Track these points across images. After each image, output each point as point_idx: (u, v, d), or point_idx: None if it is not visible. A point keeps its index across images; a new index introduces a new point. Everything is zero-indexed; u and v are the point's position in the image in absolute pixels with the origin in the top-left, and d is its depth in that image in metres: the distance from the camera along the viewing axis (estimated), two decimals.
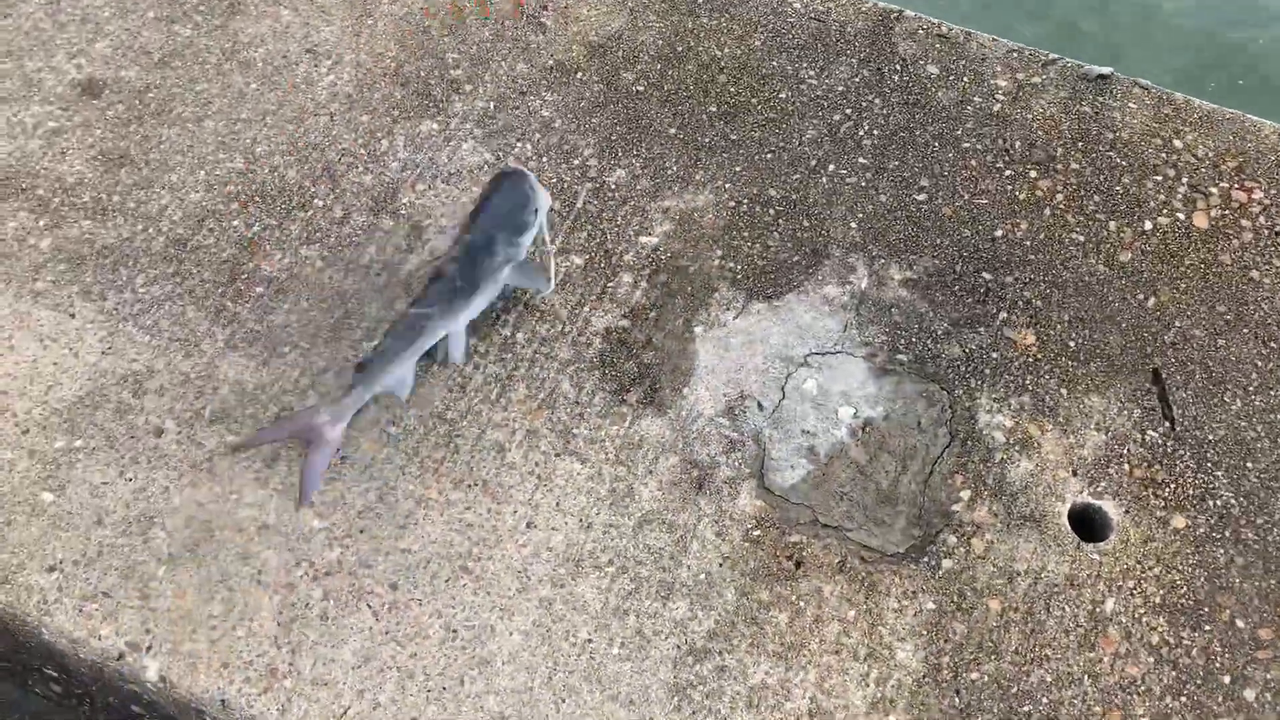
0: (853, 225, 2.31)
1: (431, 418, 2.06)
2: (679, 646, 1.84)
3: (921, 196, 2.36)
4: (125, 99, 2.46)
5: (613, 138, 2.44)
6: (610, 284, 2.22)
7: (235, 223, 2.29)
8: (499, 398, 2.08)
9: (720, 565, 1.92)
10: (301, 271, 2.22)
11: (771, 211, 2.33)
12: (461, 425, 2.05)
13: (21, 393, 2.06)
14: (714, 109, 2.49)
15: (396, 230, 2.29)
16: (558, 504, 1.97)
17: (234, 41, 2.57)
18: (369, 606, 1.87)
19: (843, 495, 1.99)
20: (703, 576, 1.91)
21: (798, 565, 1.92)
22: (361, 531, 1.93)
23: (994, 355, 2.15)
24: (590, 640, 1.85)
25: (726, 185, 2.37)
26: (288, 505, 1.95)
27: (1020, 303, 2.22)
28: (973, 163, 2.41)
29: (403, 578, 1.89)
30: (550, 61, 2.56)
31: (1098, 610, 1.88)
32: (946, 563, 1.93)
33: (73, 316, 2.15)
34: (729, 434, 2.05)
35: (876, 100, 2.51)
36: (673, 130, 2.45)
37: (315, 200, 2.33)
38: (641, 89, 2.52)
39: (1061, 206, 2.35)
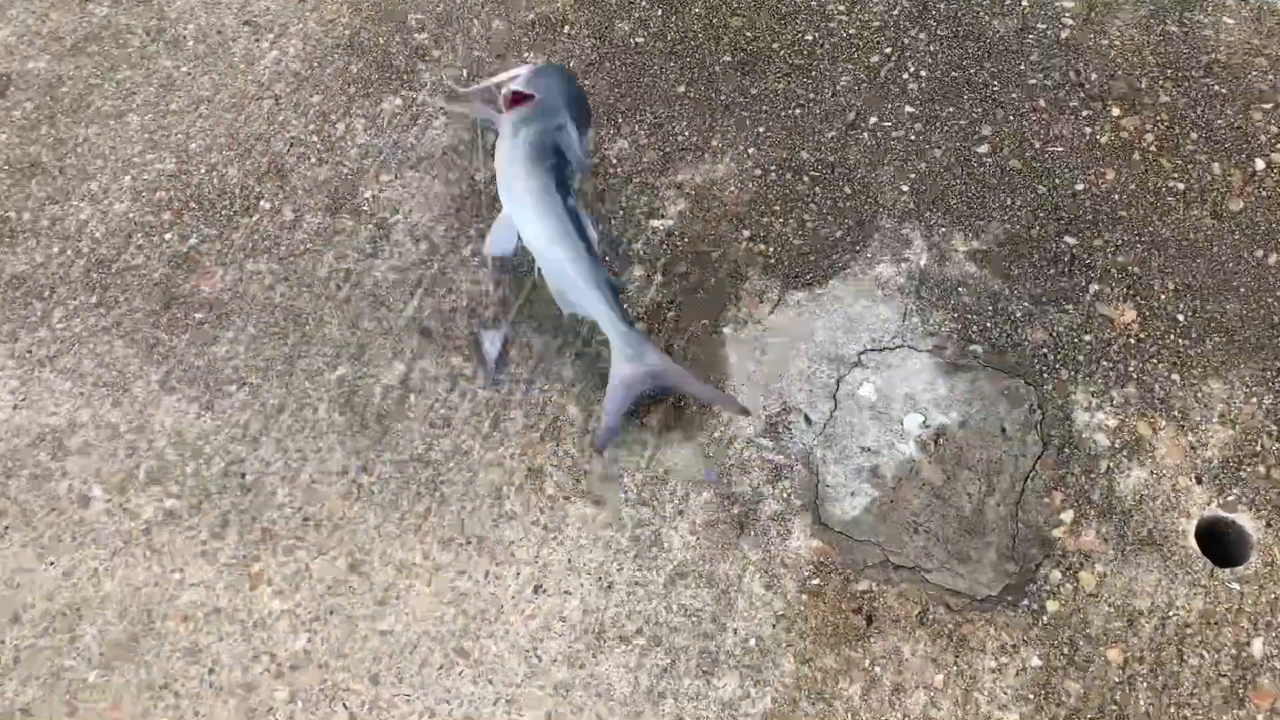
0: (904, 189, 1.99)
1: (411, 461, 1.72)
2: None
3: (984, 149, 2.06)
4: (33, 95, 2.12)
5: (611, 102, 2.13)
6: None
7: (168, 236, 1.94)
8: (492, 431, 1.75)
9: (774, 626, 1.59)
10: (248, 290, 1.88)
11: (805, 179, 2.01)
12: (448, 468, 1.71)
13: None
14: (728, 59, 2.17)
15: (358, 231, 1.94)
16: (570, 560, 1.64)
17: (159, 18, 2.22)
18: (345, 707, 1.54)
19: (917, 527, 1.66)
20: (753, 643, 1.57)
21: (869, 620, 1.59)
22: (331, 612, 1.60)
23: (1087, 338, 1.84)
24: None
25: (750, 150, 2.05)
26: (240, 582, 1.61)
27: (1113, 271, 1.92)
28: (1042, 103, 2.11)
29: (385, 668, 1.57)
30: (531, 15, 2.24)
31: (1243, 655, 1.58)
32: (1051, 605, 1.62)
33: None
34: (773, 458, 1.73)
35: (921, 35, 2.20)
36: (681, 88, 2.13)
37: (261, 202, 1.98)
38: (641, 41, 2.20)
39: (1153, 149, 2.05)
